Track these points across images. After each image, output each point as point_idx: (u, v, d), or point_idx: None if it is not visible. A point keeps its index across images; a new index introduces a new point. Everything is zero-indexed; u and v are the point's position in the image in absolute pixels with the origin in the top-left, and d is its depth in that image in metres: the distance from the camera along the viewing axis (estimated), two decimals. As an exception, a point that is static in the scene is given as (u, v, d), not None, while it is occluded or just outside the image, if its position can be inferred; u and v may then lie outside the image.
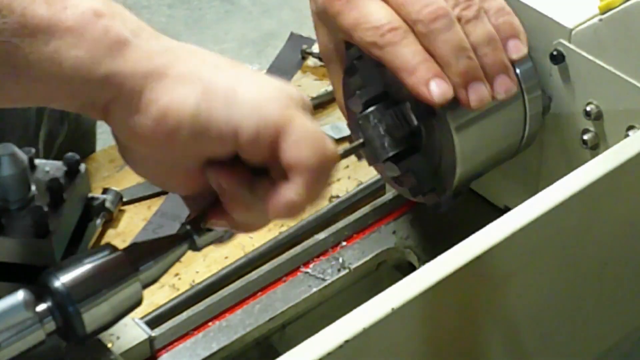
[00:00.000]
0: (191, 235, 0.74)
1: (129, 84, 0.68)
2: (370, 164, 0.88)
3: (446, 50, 0.79)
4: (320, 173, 0.70)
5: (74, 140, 1.23)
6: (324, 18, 0.84)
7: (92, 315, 0.69)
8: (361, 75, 0.84)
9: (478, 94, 0.80)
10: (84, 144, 1.25)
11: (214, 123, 0.68)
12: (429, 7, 0.79)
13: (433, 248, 0.93)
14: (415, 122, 0.81)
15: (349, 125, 0.87)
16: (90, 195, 1.00)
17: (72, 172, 0.94)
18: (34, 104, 0.71)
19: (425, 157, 0.84)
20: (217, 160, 0.71)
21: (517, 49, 0.82)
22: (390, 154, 0.84)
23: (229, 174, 0.71)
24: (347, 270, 0.92)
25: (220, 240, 0.76)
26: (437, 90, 0.79)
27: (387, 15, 0.80)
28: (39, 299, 0.69)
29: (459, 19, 0.80)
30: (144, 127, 0.69)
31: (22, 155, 0.90)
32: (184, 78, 0.69)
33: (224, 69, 0.71)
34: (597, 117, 0.86)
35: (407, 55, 0.79)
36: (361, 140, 0.84)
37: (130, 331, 0.85)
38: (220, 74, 0.70)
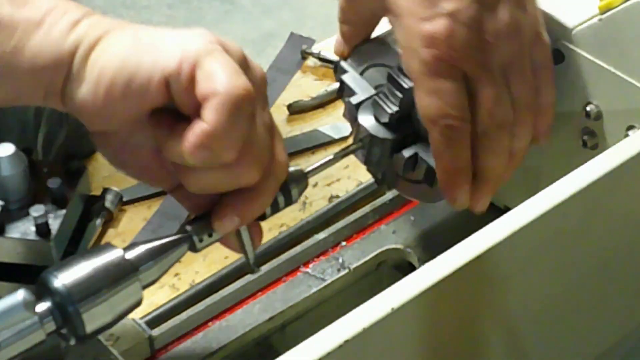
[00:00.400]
0: (191, 236, 0.74)
1: (76, 58, 0.72)
2: (367, 168, 0.87)
3: (489, 172, 0.80)
4: (235, 104, 0.69)
5: (74, 140, 1.22)
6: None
7: (92, 315, 0.69)
8: (351, 85, 0.85)
9: (482, 204, 0.82)
10: (84, 144, 1.25)
11: (142, 66, 0.70)
12: (497, 118, 0.79)
13: (433, 248, 0.93)
14: (399, 98, 0.81)
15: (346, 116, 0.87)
16: (90, 195, 1.00)
17: (72, 172, 0.94)
18: (5, 103, 0.74)
19: (429, 143, 0.83)
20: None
21: (545, 135, 0.83)
22: (389, 137, 0.83)
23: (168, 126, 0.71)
24: (347, 270, 0.92)
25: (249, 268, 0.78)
26: (461, 200, 0.81)
27: (461, 103, 0.78)
28: (39, 299, 0.69)
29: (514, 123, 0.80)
30: (90, 94, 0.71)
31: (22, 155, 0.90)
32: (117, 39, 0.72)
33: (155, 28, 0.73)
34: (597, 117, 0.86)
35: (456, 158, 0.79)
36: (361, 141, 0.84)
37: (130, 331, 0.85)
38: (151, 29, 0.73)
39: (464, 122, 0.78)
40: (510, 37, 0.78)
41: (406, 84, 0.80)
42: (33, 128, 1.15)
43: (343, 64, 0.86)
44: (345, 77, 0.85)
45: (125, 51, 0.71)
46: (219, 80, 0.69)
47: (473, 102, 0.78)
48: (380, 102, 0.82)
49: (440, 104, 0.77)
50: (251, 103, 0.70)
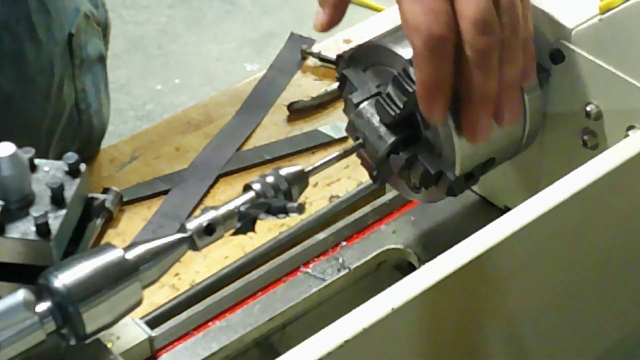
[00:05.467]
0: (191, 235, 0.74)
1: None
2: (365, 166, 0.87)
3: (476, 94, 0.79)
4: None
5: (81, 141, 1.23)
6: None
7: (92, 315, 0.69)
8: (352, 81, 0.85)
9: (482, 134, 0.80)
10: (92, 145, 1.25)
11: None
12: (485, 35, 0.77)
13: (433, 248, 0.93)
14: (403, 101, 0.81)
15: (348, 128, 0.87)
16: (90, 195, 1.00)
17: (72, 172, 0.94)
18: None
19: (427, 146, 0.84)
20: None
21: (530, 78, 0.82)
22: (389, 141, 0.83)
23: None
24: (347, 270, 0.92)
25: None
26: (437, 115, 0.79)
27: (446, 10, 0.76)
28: (39, 299, 0.69)
29: (502, 46, 0.79)
30: None
31: (22, 155, 0.90)
32: None
33: None
34: (597, 117, 0.86)
35: (437, 70, 0.77)
36: (361, 141, 0.84)
37: (130, 331, 0.85)
38: None
39: (448, 31, 0.76)
40: None
41: (411, 87, 0.80)
42: (44, 145, 1.16)
43: (345, 57, 0.86)
44: (347, 72, 0.85)
45: None
46: None
47: (459, 14, 0.77)
48: (383, 103, 0.82)
49: (424, 11, 0.76)
50: None
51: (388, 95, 0.82)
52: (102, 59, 1.24)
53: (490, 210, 0.96)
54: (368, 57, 0.85)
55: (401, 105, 0.81)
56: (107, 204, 1.05)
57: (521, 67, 0.80)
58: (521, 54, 0.80)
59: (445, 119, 0.80)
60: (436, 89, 0.78)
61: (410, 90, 0.80)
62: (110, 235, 1.05)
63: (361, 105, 0.84)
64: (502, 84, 0.79)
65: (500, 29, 0.78)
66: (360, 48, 0.86)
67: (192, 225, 0.75)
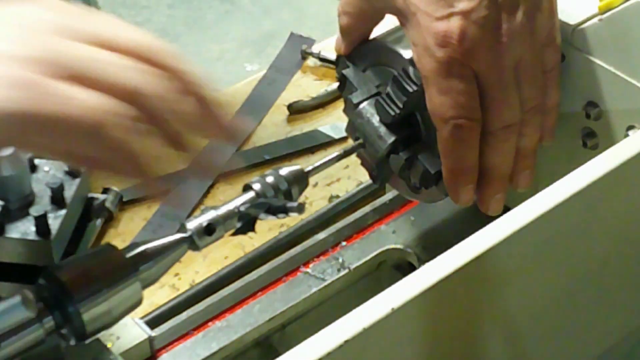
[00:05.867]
0: (191, 235, 0.74)
1: None
2: (365, 166, 0.87)
3: (493, 174, 0.80)
4: None
5: None
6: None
7: (92, 315, 0.69)
8: (352, 81, 0.85)
9: (497, 207, 0.82)
10: None
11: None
12: (505, 119, 0.79)
13: (433, 248, 0.93)
14: (403, 101, 0.81)
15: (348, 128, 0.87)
16: (90, 195, 1.00)
17: (72, 172, 0.94)
18: None
19: (427, 146, 0.84)
20: None
21: (549, 139, 0.84)
22: (389, 141, 0.83)
23: None
24: (347, 270, 0.92)
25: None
26: (465, 199, 0.81)
27: (473, 103, 0.78)
28: (39, 299, 0.69)
29: (522, 125, 0.80)
30: None
31: (22, 155, 0.90)
32: None
33: None
34: (597, 117, 0.86)
35: (463, 157, 0.79)
36: (361, 141, 0.84)
37: (130, 331, 0.85)
38: None
39: (474, 122, 0.78)
40: (524, 38, 0.78)
41: (411, 87, 0.80)
42: None
43: (345, 58, 0.86)
44: (346, 72, 0.85)
45: None
46: None
47: (483, 103, 0.78)
48: (383, 103, 0.82)
49: (452, 103, 0.77)
50: None
51: (388, 95, 0.82)
52: None
53: (490, 210, 0.96)
54: (368, 56, 0.85)
55: (401, 105, 0.81)
56: (107, 204, 1.05)
57: (538, 138, 0.82)
58: (539, 127, 0.82)
59: (473, 200, 0.82)
60: (462, 174, 0.80)
61: (410, 90, 0.80)
62: (110, 235, 1.05)
63: (361, 105, 0.84)
64: (518, 155, 0.81)
65: (521, 108, 0.79)
66: (360, 48, 0.86)
67: (192, 225, 0.75)
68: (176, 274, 0.99)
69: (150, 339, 0.86)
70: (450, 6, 0.77)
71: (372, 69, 0.85)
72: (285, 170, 0.79)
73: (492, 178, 0.81)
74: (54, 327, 0.69)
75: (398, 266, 0.96)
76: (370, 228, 0.96)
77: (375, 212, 0.97)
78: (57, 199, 0.91)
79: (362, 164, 0.87)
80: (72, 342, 0.71)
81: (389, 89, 0.81)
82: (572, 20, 0.84)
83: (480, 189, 0.81)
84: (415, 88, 0.80)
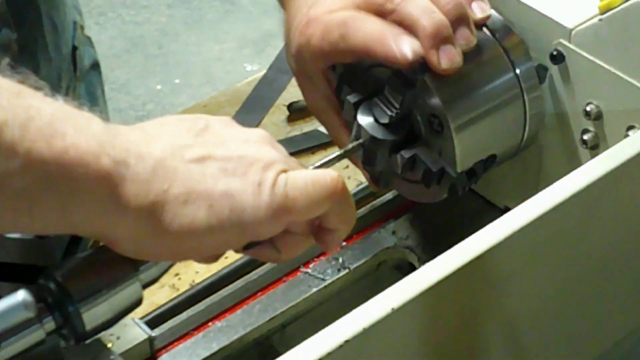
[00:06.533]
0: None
1: (132, 221, 0.67)
2: (363, 167, 0.87)
3: (414, 11, 0.80)
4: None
5: None
6: (304, 50, 0.85)
7: (92, 315, 0.69)
8: (349, 85, 0.85)
9: (448, 55, 0.80)
10: None
11: (228, 231, 0.69)
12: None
13: (433, 248, 0.93)
14: (399, 101, 0.81)
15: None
16: (90, 195, 1.00)
17: (72, 172, 0.93)
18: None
19: (427, 145, 0.84)
20: None
21: (481, 9, 0.83)
22: (389, 140, 0.83)
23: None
24: (347, 270, 0.92)
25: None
26: (406, 47, 0.79)
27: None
28: (39, 299, 0.69)
29: None
30: (162, 254, 0.71)
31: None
32: (183, 200, 0.68)
33: (210, 166, 0.69)
34: (597, 117, 0.86)
35: (369, 28, 0.80)
36: (360, 141, 0.84)
37: (130, 331, 0.85)
38: (209, 179, 0.69)
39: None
40: None
41: (406, 86, 0.80)
42: None
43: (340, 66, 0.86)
44: (343, 74, 0.85)
45: (204, 218, 0.69)
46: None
47: None
48: (380, 103, 0.82)
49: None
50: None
51: (384, 95, 0.82)
52: (96, 66, 1.25)
53: (490, 210, 0.96)
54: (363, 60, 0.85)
55: (398, 105, 0.81)
56: (107, 204, 1.04)
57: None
58: None
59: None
60: (383, 31, 0.81)
61: (406, 89, 0.80)
62: (110, 235, 1.05)
63: (359, 107, 0.84)
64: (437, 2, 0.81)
65: None
66: None
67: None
68: (176, 274, 0.99)
69: (150, 339, 0.86)
70: None
71: (372, 69, 0.85)
72: (285, 170, 0.79)
73: (417, 30, 0.80)
74: (54, 327, 0.69)
75: (398, 266, 0.96)
76: (370, 228, 0.96)
77: (375, 212, 0.97)
78: (57, 199, 0.90)
79: (363, 168, 0.87)
80: (72, 342, 0.71)
81: (385, 90, 0.82)
82: (572, 20, 0.84)
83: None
84: (411, 87, 0.80)
